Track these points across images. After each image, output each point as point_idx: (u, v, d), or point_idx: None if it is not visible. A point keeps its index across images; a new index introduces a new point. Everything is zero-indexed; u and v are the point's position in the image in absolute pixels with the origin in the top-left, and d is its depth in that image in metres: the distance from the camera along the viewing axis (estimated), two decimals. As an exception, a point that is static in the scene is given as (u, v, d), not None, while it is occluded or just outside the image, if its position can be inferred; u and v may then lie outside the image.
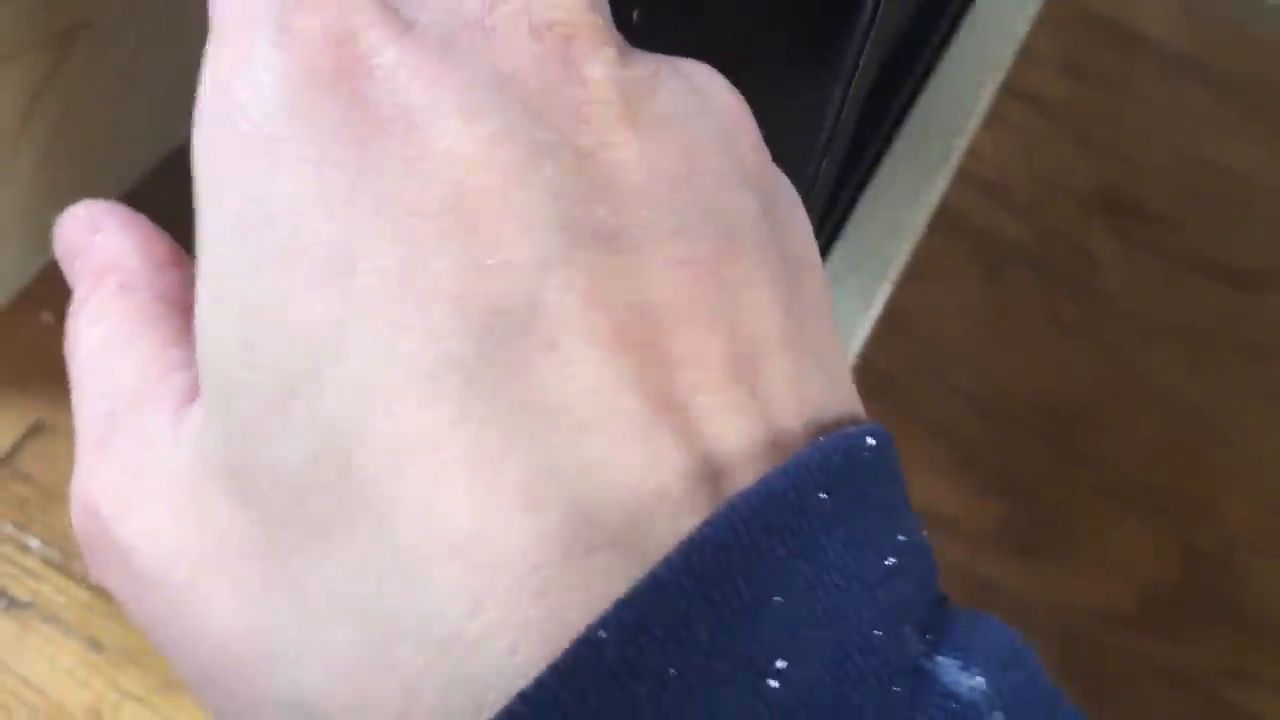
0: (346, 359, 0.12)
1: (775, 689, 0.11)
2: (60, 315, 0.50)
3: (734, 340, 0.13)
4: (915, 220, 0.47)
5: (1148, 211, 0.63)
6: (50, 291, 0.51)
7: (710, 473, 0.12)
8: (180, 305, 0.15)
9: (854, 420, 0.14)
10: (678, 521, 0.12)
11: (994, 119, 0.65)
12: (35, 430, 0.44)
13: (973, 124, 0.52)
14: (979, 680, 0.12)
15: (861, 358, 0.56)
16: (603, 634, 0.11)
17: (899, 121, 0.49)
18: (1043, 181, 0.63)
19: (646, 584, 0.11)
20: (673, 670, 0.11)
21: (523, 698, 0.11)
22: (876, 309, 0.45)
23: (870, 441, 0.13)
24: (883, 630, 0.12)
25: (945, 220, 0.61)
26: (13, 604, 0.37)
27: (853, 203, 0.46)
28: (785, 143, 0.21)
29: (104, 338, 0.15)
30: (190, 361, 0.14)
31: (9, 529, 0.40)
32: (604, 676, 0.11)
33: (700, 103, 0.14)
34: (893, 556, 0.12)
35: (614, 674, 0.11)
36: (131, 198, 0.54)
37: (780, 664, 0.11)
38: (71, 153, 0.49)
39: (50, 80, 0.46)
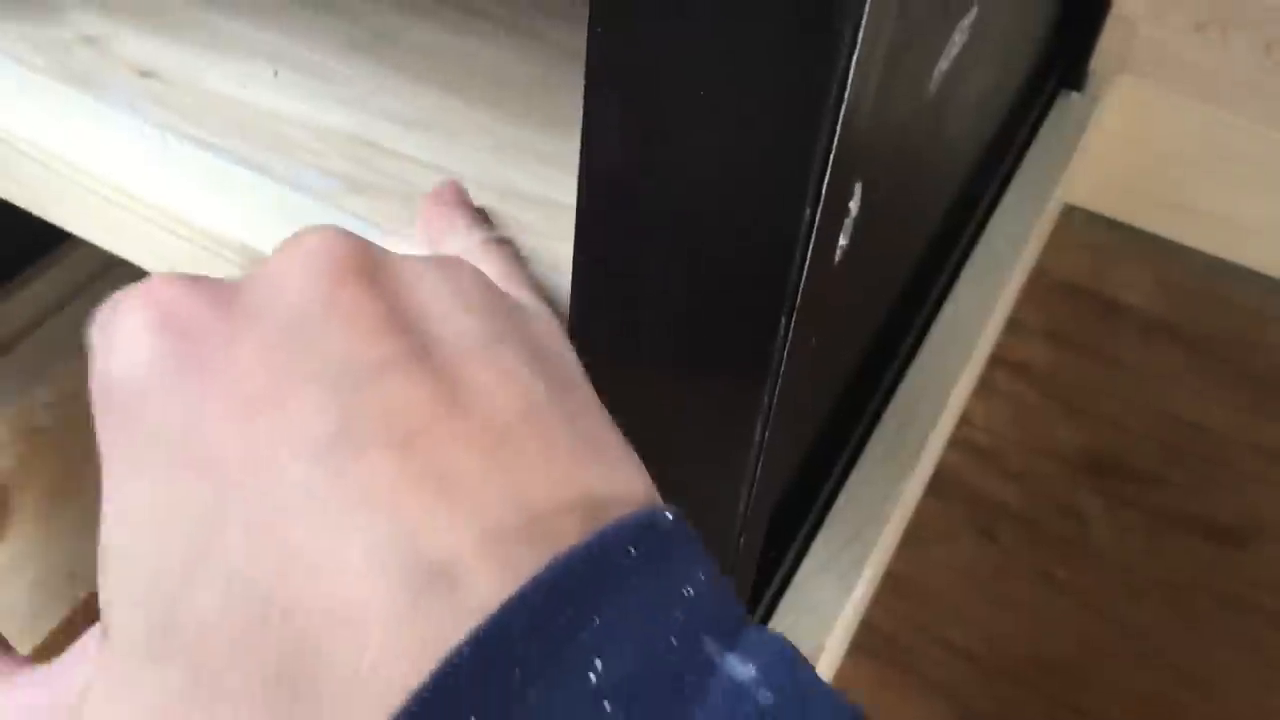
0: (231, 525, 0.17)
1: (594, 682, 0.15)
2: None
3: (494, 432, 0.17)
4: (906, 489, 0.52)
5: (1131, 471, 0.68)
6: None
7: (523, 532, 0.17)
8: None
9: (630, 477, 0.18)
10: (502, 576, 0.16)
11: (984, 387, 0.71)
12: None
13: (957, 395, 0.58)
14: (751, 669, 0.16)
15: (864, 620, 0.61)
16: (465, 651, 0.15)
17: (889, 394, 0.54)
18: (1031, 445, 0.69)
19: (510, 604, 0.16)
20: (517, 672, 0.15)
21: (410, 701, 0.15)
22: (872, 573, 0.50)
23: (667, 515, 0.17)
24: (679, 638, 0.16)
25: (940, 485, 0.66)
26: None
27: (843, 477, 0.51)
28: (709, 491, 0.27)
29: None
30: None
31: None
32: (467, 683, 0.15)
33: (437, 271, 0.20)
34: (691, 588, 0.17)
35: (477, 678, 0.15)
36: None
37: (597, 663, 0.16)
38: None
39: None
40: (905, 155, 0.40)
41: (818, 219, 0.21)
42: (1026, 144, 0.64)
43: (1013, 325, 0.74)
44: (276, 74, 0.33)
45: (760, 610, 0.43)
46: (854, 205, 0.33)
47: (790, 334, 0.22)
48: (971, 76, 0.47)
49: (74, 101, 0.31)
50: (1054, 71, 0.66)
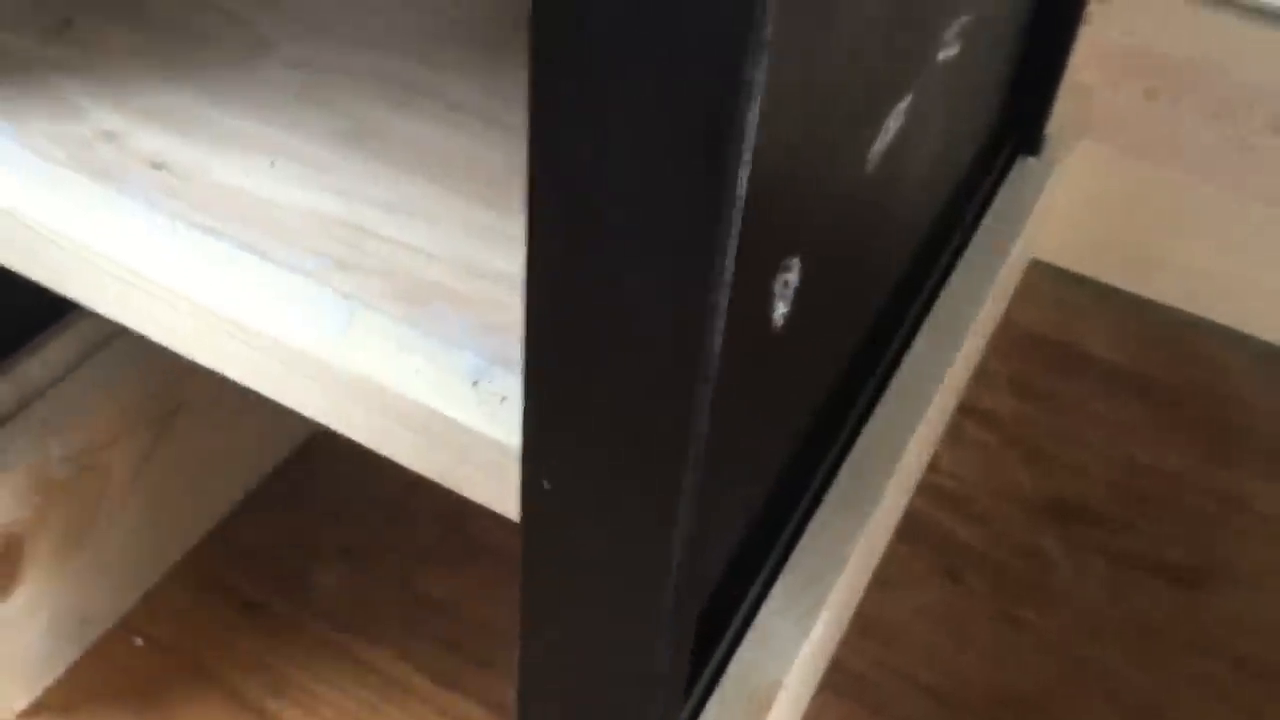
0: None
1: None
2: (150, 640, 0.61)
3: None
4: (865, 533, 0.55)
5: (1094, 516, 0.71)
6: (142, 619, 0.61)
7: None
8: None
9: None
10: None
11: (952, 435, 0.75)
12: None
13: (917, 442, 0.61)
14: None
15: (834, 661, 0.64)
16: None
17: (850, 441, 0.57)
18: (997, 491, 0.72)
19: None
20: None
21: None
22: (831, 614, 0.53)
23: None
24: None
25: (910, 529, 0.69)
26: None
27: (805, 521, 0.54)
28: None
29: None
30: None
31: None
32: None
33: None
34: None
35: None
36: (217, 533, 0.65)
37: None
38: (168, 505, 0.61)
39: (154, 449, 0.58)
40: (850, 227, 0.44)
41: (724, 299, 0.24)
42: (985, 205, 0.68)
43: (982, 376, 0.78)
44: (273, 164, 0.37)
45: (720, 650, 0.46)
46: (792, 277, 0.37)
47: (709, 399, 0.26)
48: (920, 149, 0.50)
49: (94, 193, 0.35)
50: (1011, 137, 0.70)
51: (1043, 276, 0.84)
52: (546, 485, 0.30)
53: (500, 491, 0.32)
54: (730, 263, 0.24)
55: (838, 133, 0.35)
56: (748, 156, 0.22)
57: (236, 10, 0.43)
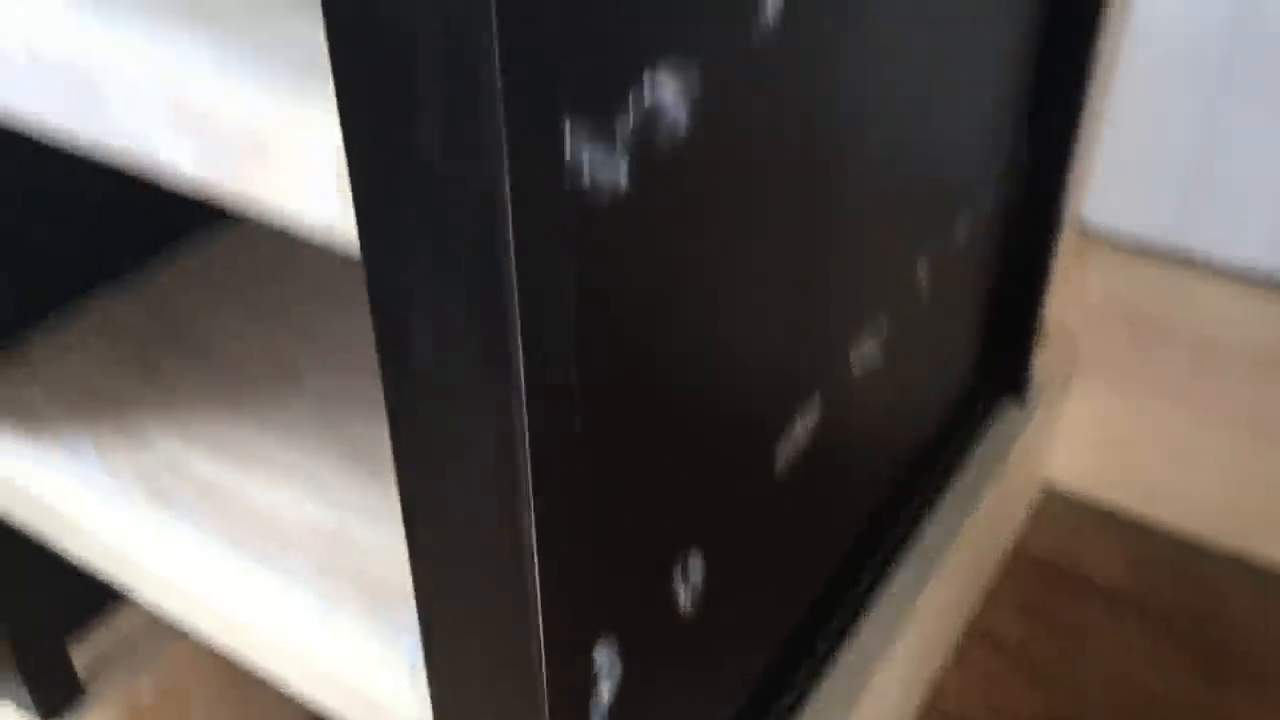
0: None
1: None
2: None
3: None
4: None
5: (1089, 738, 0.75)
6: None
7: None
8: None
9: None
10: None
11: (958, 658, 0.80)
12: None
13: (881, 681, 0.67)
14: None
15: None
16: None
17: (811, 681, 0.63)
18: (998, 711, 0.77)
19: None
20: None
21: None
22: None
23: None
24: None
25: (909, 750, 0.75)
26: None
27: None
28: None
29: None
30: None
31: None
32: None
33: None
34: None
35: None
36: None
37: None
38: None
39: (229, 680, 0.69)
40: (771, 517, 0.52)
41: (539, 644, 0.33)
42: (967, 447, 0.75)
43: (992, 600, 0.83)
44: (289, 484, 0.48)
45: None
46: (694, 566, 0.45)
47: (548, 697, 0.34)
48: (858, 434, 0.58)
49: (152, 516, 0.47)
50: (993, 383, 0.77)
51: (1056, 503, 0.90)
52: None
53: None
54: (537, 605, 0.32)
55: (720, 454, 0.44)
56: (539, 503, 0.31)
57: (282, 347, 0.54)
